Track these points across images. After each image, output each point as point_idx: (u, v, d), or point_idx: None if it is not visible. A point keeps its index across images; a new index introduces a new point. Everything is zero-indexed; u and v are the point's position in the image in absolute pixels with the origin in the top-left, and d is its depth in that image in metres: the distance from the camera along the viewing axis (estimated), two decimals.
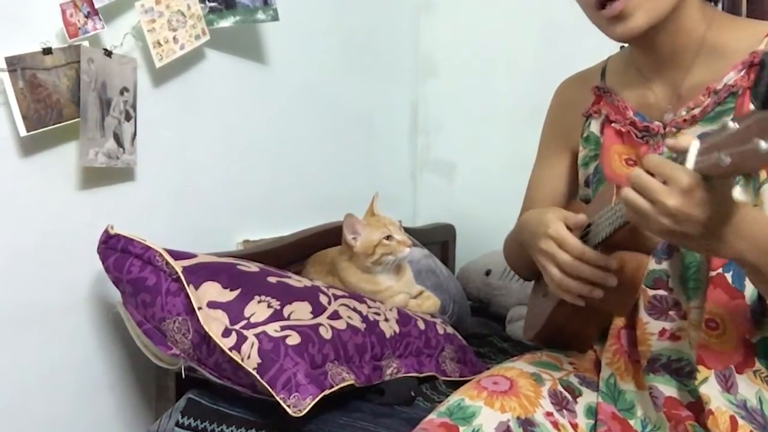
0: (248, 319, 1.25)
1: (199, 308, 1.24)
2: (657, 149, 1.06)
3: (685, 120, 1.04)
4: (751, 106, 0.70)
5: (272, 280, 1.37)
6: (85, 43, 1.35)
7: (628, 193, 0.83)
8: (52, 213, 1.36)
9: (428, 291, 1.62)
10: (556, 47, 2.04)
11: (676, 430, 0.98)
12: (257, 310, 1.27)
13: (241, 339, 1.21)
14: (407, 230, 1.65)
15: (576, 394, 1.07)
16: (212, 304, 1.27)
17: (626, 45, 1.15)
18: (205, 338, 1.22)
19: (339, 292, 1.42)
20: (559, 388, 1.06)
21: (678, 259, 1.04)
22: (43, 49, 1.29)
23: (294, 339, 1.23)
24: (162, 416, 1.34)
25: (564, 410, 1.03)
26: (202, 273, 1.31)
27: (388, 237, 1.51)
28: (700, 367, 0.98)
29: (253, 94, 1.76)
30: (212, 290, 1.29)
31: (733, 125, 0.71)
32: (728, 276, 0.99)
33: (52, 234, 1.36)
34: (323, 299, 1.36)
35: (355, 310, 1.38)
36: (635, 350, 1.07)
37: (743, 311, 0.98)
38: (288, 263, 1.61)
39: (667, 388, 1.02)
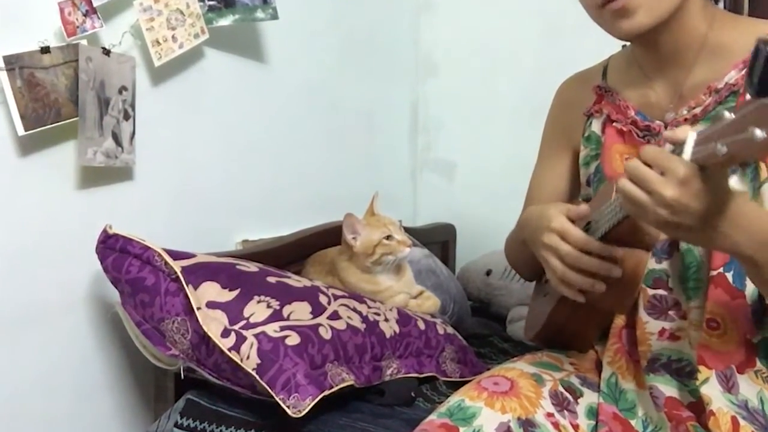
0: (247, 319, 1.25)
1: (198, 308, 1.23)
2: None
3: (686, 119, 1.04)
4: (748, 96, 0.70)
5: (272, 280, 1.36)
6: (84, 42, 1.35)
7: (625, 183, 0.83)
8: (50, 212, 1.36)
9: (428, 291, 1.62)
10: (556, 46, 2.04)
11: (678, 431, 0.98)
12: (256, 310, 1.27)
13: (241, 339, 1.21)
14: (407, 230, 1.65)
15: (577, 395, 1.07)
16: (211, 304, 1.26)
17: (628, 44, 1.15)
18: (204, 338, 1.22)
19: (339, 292, 1.42)
20: (560, 388, 1.05)
21: (678, 258, 1.04)
22: (41, 48, 1.29)
23: (293, 339, 1.22)
24: (161, 417, 1.33)
25: (565, 411, 1.03)
26: (201, 273, 1.31)
27: (388, 237, 1.50)
28: (701, 368, 0.98)
29: (252, 93, 1.76)
30: (211, 290, 1.29)
31: (729, 115, 0.71)
32: (729, 276, 0.98)
33: (50, 234, 1.36)
34: (323, 299, 1.36)
35: (354, 310, 1.37)
36: (636, 350, 1.07)
37: (744, 311, 0.98)
38: (287, 263, 1.61)
39: (667, 389, 1.02)
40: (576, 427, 1.02)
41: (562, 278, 1.01)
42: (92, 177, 1.41)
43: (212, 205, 1.67)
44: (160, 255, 1.29)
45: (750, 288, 0.98)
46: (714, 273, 0.99)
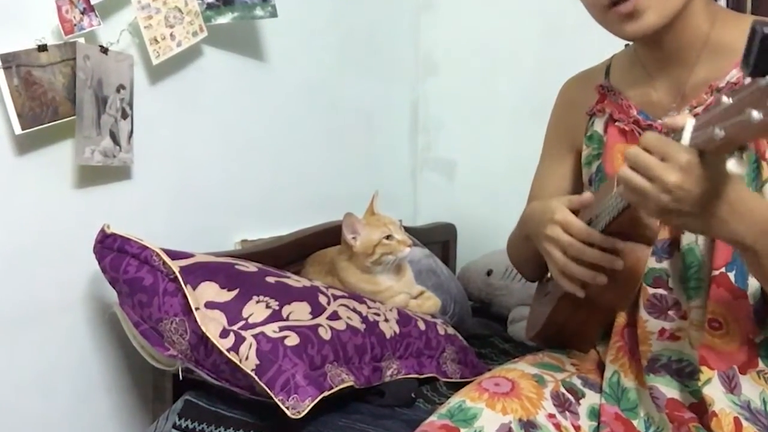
0: (246, 319, 1.25)
1: (197, 309, 1.23)
2: None
3: None
4: (745, 81, 0.70)
5: (271, 280, 1.36)
6: (81, 40, 1.35)
7: (626, 172, 0.83)
8: (47, 212, 1.35)
9: (429, 291, 1.62)
10: (557, 46, 2.04)
11: None
12: (255, 310, 1.26)
13: (240, 340, 1.20)
14: (407, 230, 1.65)
15: (579, 396, 1.06)
16: (210, 305, 1.26)
17: (630, 43, 1.15)
18: (202, 339, 1.22)
19: (338, 293, 1.42)
20: (562, 389, 1.05)
21: (678, 258, 1.03)
22: (39, 46, 1.28)
23: (293, 340, 1.22)
24: (159, 418, 1.33)
25: (566, 412, 1.02)
26: (199, 273, 1.30)
27: (388, 236, 1.50)
28: (704, 368, 0.98)
29: (251, 91, 1.75)
30: (210, 290, 1.28)
31: (727, 100, 0.72)
32: (731, 275, 0.98)
33: (47, 233, 1.35)
34: (322, 299, 1.35)
35: (354, 310, 1.37)
36: (638, 348, 1.07)
37: (747, 311, 0.98)
38: (287, 263, 1.60)
39: (668, 390, 1.02)
40: (578, 428, 1.02)
41: (563, 270, 1.01)
42: (90, 176, 1.41)
43: (211, 204, 1.67)
44: (158, 255, 1.28)
45: (752, 287, 0.98)
46: (716, 273, 0.99)
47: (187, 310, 1.23)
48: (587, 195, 1.04)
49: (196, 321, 1.21)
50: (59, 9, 1.31)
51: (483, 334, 1.78)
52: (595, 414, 1.05)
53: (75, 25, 1.33)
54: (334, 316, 1.32)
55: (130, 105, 1.44)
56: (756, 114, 0.67)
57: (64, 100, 1.32)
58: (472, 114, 2.24)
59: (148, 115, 1.49)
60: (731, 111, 0.71)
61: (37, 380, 1.36)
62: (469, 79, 2.24)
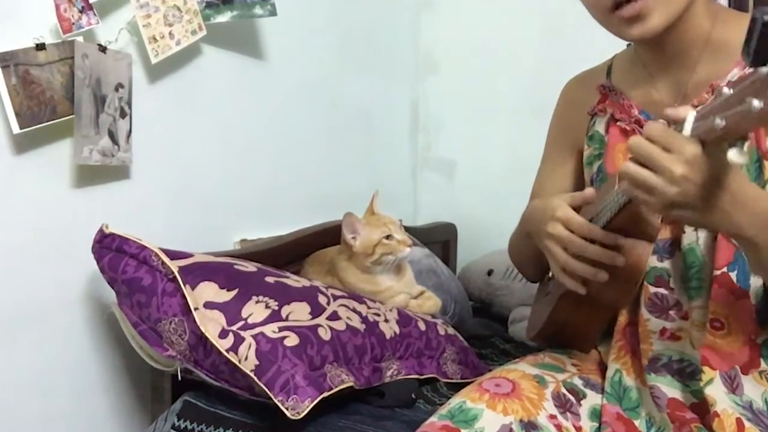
0: (246, 319, 1.24)
1: (196, 309, 1.23)
2: None
3: None
4: (746, 72, 0.71)
5: (270, 280, 1.35)
6: (80, 39, 1.34)
7: (630, 166, 0.82)
8: (45, 212, 1.35)
9: (429, 291, 1.62)
10: (557, 45, 2.04)
11: None
12: (255, 310, 1.26)
13: (239, 340, 1.20)
14: (408, 229, 1.64)
15: (580, 397, 1.06)
16: (209, 305, 1.26)
17: (632, 43, 1.14)
18: (201, 339, 1.22)
19: (338, 293, 1.41)
20: (563, 390, 1.05)
21: (680, 258, 1.03)
22: (37, 45, 1.28)
23: (292, 340, 1.22)
24: (158, 419, 1.33)
25: (568, 413, 1.02)
26: (198, 273, 1.30)
27: (388, 236, 1.50)
28: (705, 368, 0.98)
29: (250, 90, 1.75)
30: (209, 290, 1.28)
31: (728, 90, 0.72)
32: (733, 275, 0.98)
33: (45, 233, 1.35)
34: (322, 300, 1.35)
35: (354, 310, 1.37)
36: (639, 347, 1.07)
37: (749, 311, 0.98)
38: (286, 263, 1.60)
39: (669, 390, 1.02)
40: (579, 429, 1.01)
41: (565, 267, 1.01)
42: (88, 176, 1.40)
43: (210, 204, 1.66)
44: (156, 255, 1.28)
45: (754, 287, 0.98)
46: (717, 272, 0.99)
47: (186, 311, 1.23)
48: (589, 191, 1.04)
49: (195, 321, 1.21)
50: (57, 7, 1.30)
51: (483, 334, 1.78)
52: (597, 415, 1.05)
53: (73, 23, 1.32)
54: (334, 317, 1.32)
55: (129, 104, 1.44)
56: (757, 103, 0.67)
57: (62, 99, 1.32)
58: (473, 113, 2.24)
59: (147, 114, 1.49)
60: (732, 101, 0.71)
61: (35, 380, 1.35)
62: (469, 78, 2.24)
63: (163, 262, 1.27)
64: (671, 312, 1.04)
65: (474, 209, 2.23)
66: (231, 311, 1.25)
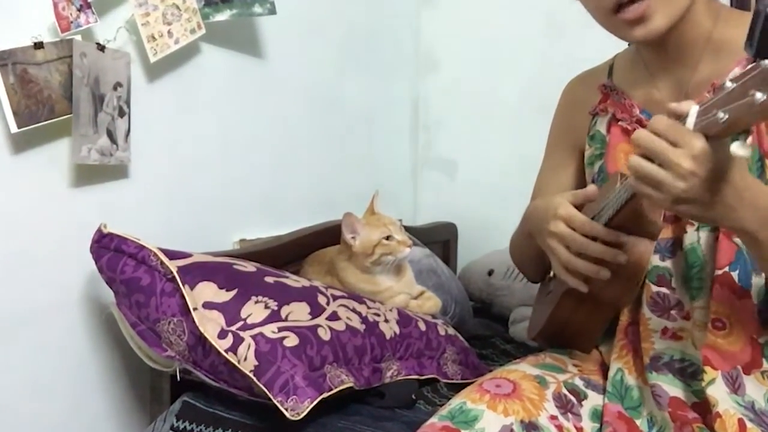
0: (245, 320, 1.24)
1: (195, 309, 1.22)
2: None
3: None
4: (748, 66, 0.71)
5: (269, 280, 1.35)
6: (78, 37, 1.34)
7: (637, 160, 0.82)
8: (44, 211, 1.34)
9: (429, 291, 1.61)
10: (558, 43, 2.04)
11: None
12: (254, 310, 1.26)
13: (238, 340, 1.20)
14: (408, 229, 1.64)
15: (581, 397, 1.06)
16: (208, 305, 1.25)
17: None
18: (200, 340, 1.21)
19: (338, 293, 1.41)
20: (564, 391, 1.05)
21: (681, 257, 1.03)
22: (35, 44, 1.28)
23: (292, 340, 1.21)
24: (156, 419, 1.32)
25: (569, 414, 1.02)
26: (197, 273, 1.30)
27: (388, 237, 1.50)
28: (707, 368, 0.97)
29: (250, 89, 1.75)
30: (208, 291, 1.27)
31: (731, 84, 0.72)
32: (734, 275, 0.98)
33: (44, 233, 1.34)
34: (322, 300, 1.34)
35: (354, 310, 1.36)
36: (641, 346, 1.07)
37: (750, 311, 0.98)
38: (286, 263, 1.60)
39: (671, 388, 1.02)
40: (580, 429, 1.01)
41: (567, 265, 1.00)
42: (87, 175, 1.40)
43: (209, 203, 1.66)
44: (155, 254, 1.28)
45: (756, 287, 0.98)
46: (719, 272, 0.99)
47: (185, 311, 1.23)
48: (592, 188, 1.03)
49: (194, 321, 1.21)
50: (56, 6, 1.30)
51: (484, 334, 1.78)
52: (598, 415, 1.05)
53: (71, 22, 1.32)
54: (334, 317, 1.31)
55: (128, 103, 1.44)
56: (760, 95, 0.67)
57: (60, 98, 1.31)
58: (473, 112, 2.24)
59: (146, 114, 1.49)
60: (735, 94, 0.71)
61: (34, 381, 1.35)
62: (470, 77, 2.24)
63: (161, 262, 1.27)
64: (673, 312, 1.04)
65: (474, 209, 2.23)
66: (230, 311, 1.25)
